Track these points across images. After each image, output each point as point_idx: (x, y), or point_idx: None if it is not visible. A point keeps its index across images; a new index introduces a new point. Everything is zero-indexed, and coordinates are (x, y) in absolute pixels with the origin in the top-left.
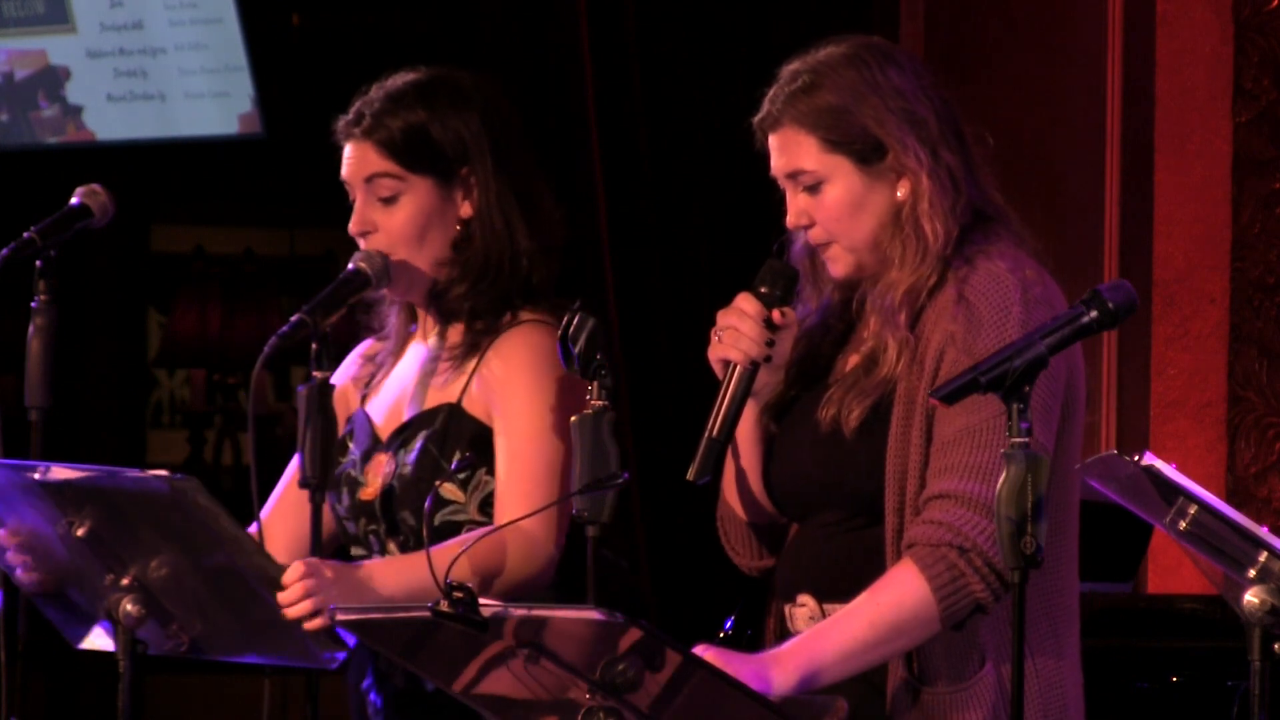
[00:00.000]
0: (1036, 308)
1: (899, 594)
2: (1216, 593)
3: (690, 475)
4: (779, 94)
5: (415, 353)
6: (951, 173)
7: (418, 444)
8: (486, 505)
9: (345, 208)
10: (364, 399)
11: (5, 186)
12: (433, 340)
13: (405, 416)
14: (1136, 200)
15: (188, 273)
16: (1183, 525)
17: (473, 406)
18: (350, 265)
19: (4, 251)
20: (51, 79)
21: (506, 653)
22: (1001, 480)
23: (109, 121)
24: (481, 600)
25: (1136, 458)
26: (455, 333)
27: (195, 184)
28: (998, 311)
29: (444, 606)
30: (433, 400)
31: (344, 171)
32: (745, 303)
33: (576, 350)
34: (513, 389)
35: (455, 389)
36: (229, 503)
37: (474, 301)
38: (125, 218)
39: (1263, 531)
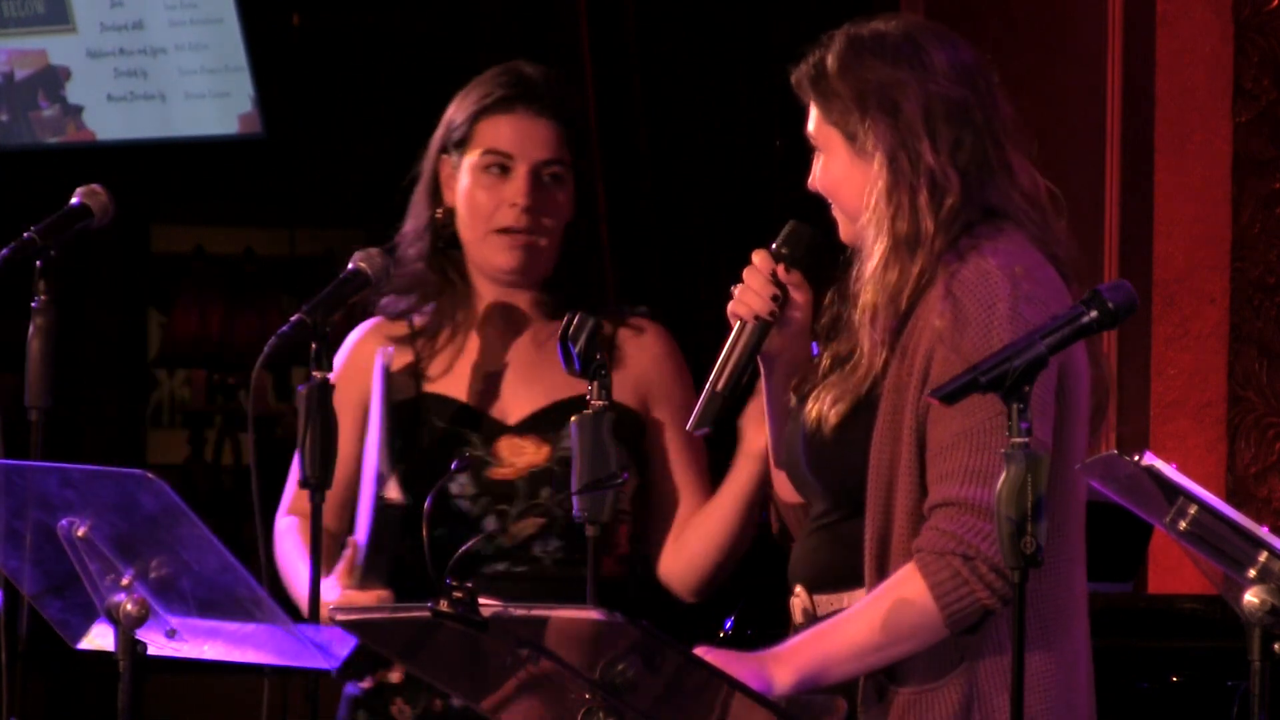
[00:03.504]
0: (1026, 304)
1: (903, 599)
2: (1216, 593)
3: (689, 425)
4: (809, 58)
5: (502, 339)
6: (931, 170)
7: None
8: (636, 498)
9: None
10: (421, 378)
11: (5, 186)
12: (536, 325)
13: (541, 403)
14: (1136, 200)
15: (188, 273)
16: (1183, 525)
17: (622, 396)
18: (350, 265)
19: (4, 251)
20: (51, 79)
21: (506, 653)
22: (1001, 480)
23: (109, 121)
24: (481, 600)
25: (1136, 458)
26: (539, 318)
27: (195, 184)
28: (984, 308)
29: (444, 606)
30: (565, 388)
31: (514, 145)
32: (758, 258)
33: (576, 350)
34: (676, 385)
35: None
36: (229, 502)
37: (591, 291)
38: (125, 218)
39: (1263, 531)
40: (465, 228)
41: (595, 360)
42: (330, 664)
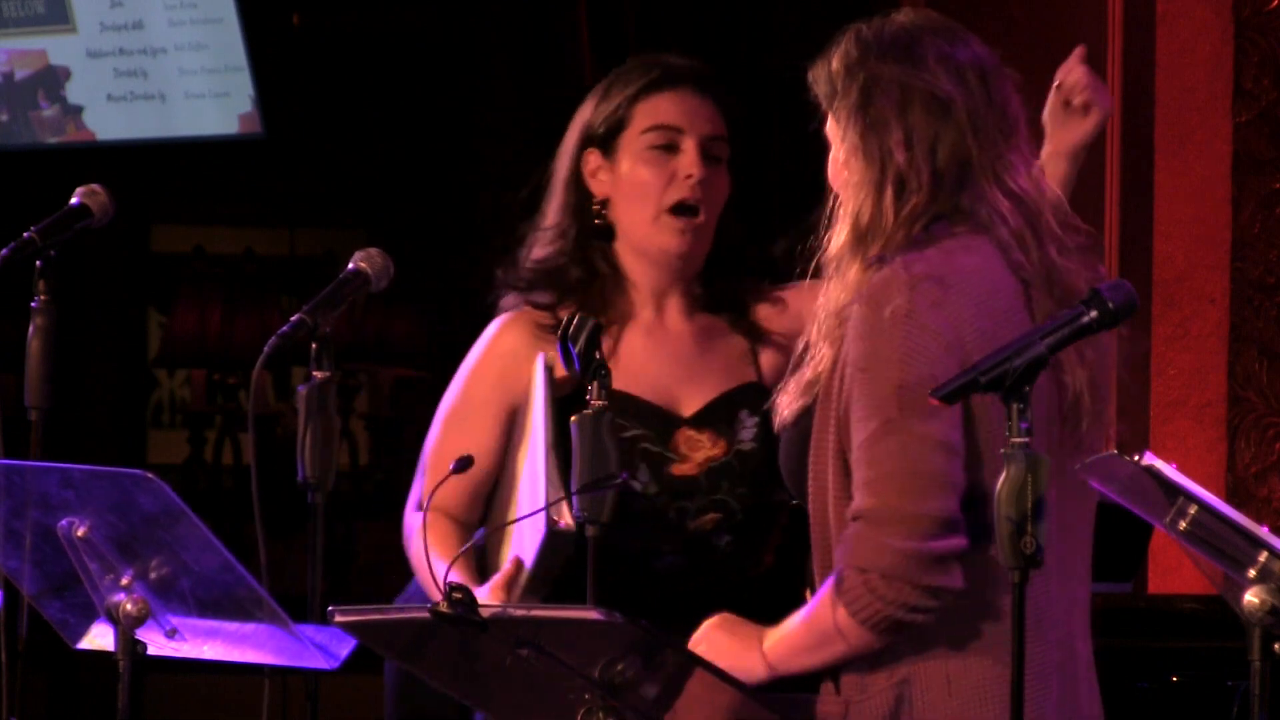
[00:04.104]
0: (922, 312)
1: (823, 606)
2: (1216, 593)
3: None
4: (824, 54)
5: (660, 331)
6: (899, 166)
7: (748, 421)
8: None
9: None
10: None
11: (5, 186)
12: (690, 317)
13: (711, 394)
14: (1136, 200)
15: (188, 273)
16: (1183, 525)
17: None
18: (350, 265)
19: (4, 251)
20: (51, 79)
21: (506, 653)
22: (1001, 480)
23: (109, 121)
24: (481, 600)
25: (1136, 458)
26: (710, 311)
27: (195, 184)
28: (874, 313)
29: (443, 607)
30: (730, 378)
31: (682, 119)
32: None
33: (577, 350)
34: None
35: (746, 368)
36: (229, 502)
37: (741, 279)
38: (125, 218)
39: (1263, 531)
40: (629, 211)
41: (595, 360)
42: (330, 664)
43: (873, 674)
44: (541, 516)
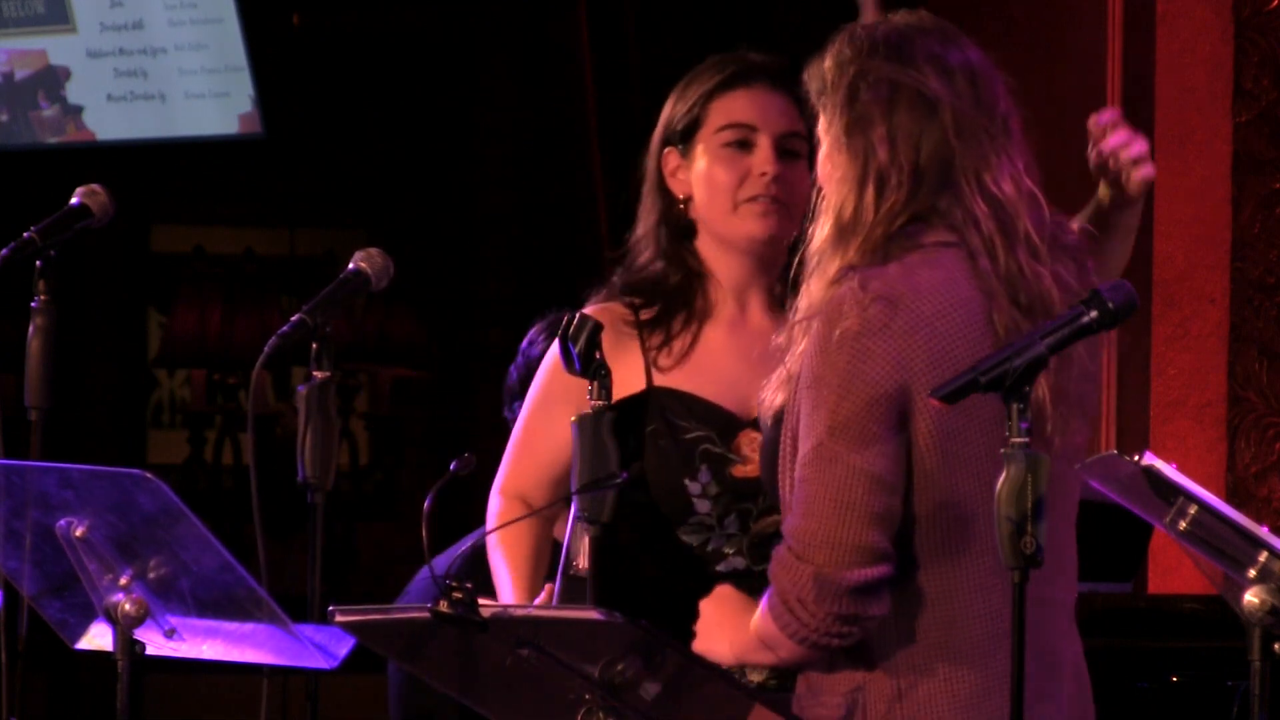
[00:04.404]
0: (870, 335)
1: (763, 616)
2: (1216, 593)
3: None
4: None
5: (734, 330)
6: (881, 164)
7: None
8: None
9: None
10: (651, 370)
11: (5, 186)
12: (772, 314)
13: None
14: None
15: (188, 273)
16: (1183, 525)
17: None
18: (350, 265)
19: (4, 251)
20: (51, 79)
21: (506, 653)
22: (1001, 480)
23: (109, 121)
24: (481, 600)
25: (1136, 458)
26: (773, 310)
27: (195, 184)
28: (827, 331)
29: (443, 607)
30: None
31: (756, 116)
32: None
33: (577, 350)
34: None
35: None
36: (229, 502)
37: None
38: (125, 218)
39: (1263, 531)
40: (707, 207)
41: (595, 360)
42: (329, 664)
43: (829, 677)
44: (563, 553)
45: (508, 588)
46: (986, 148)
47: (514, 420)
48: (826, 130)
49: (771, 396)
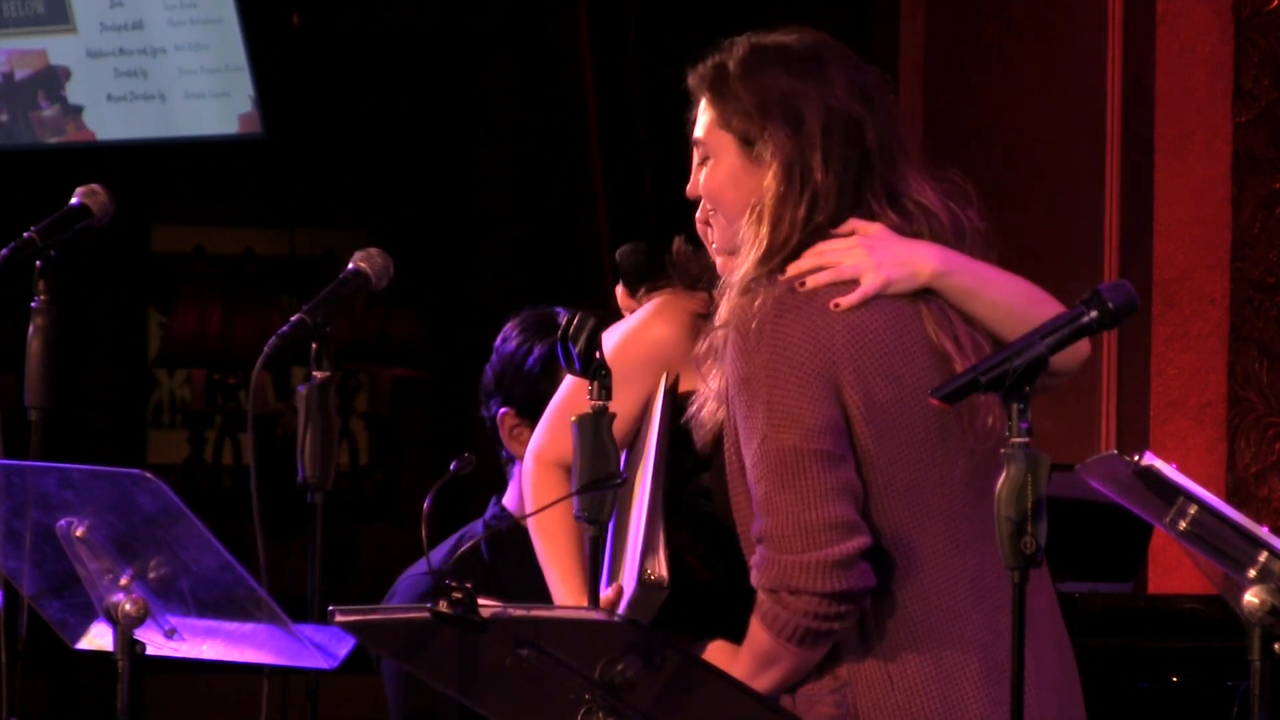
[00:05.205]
0: (787, 323)
1: (754, 631)
2: (1216, 593)
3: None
4: (708, 61)
5: None
6: (816, 186)
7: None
8: None
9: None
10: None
11: (5, 186)
12: None
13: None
14: (1136, 200)
15: (188, 273)
16: (1183, 525)
17: None
18: (350, 265)
19: (4, 251)
20: (51, 79)
21: (506, 653)
22: (1001, 480)
23: (109, 121)
24: (481, 600)
25: (1136, 458)
26: None
27: (195, 184)
28: (743, 332)
29: (443, 607)
30: None
31: None
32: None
33: (577, 350)
34: None
35: None
36: (229, 502)
37: None
38: (125, 218)
39: (1263, 531)
40: None
41: (595, 360)
42: (329, 664)
43: (818, 682)
44: (637, 558)
45: (559, 586)
46: (901, 167)
47: (491, 421)
48: (757, 157)
49: (712, 409)
